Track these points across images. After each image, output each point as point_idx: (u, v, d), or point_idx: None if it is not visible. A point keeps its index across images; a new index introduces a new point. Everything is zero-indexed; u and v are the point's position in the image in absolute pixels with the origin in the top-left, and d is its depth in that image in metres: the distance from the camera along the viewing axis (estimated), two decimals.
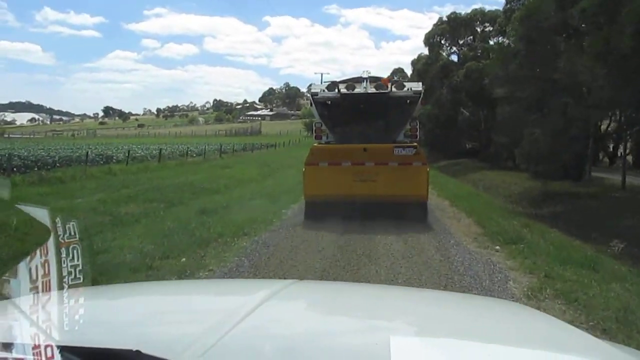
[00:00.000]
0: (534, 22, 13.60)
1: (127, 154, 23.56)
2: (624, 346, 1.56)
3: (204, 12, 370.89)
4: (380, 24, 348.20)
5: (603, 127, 23.48)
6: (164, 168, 22.62)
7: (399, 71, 70.73)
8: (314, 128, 11.36)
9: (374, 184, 9.62)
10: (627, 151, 28.49)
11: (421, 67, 35.07)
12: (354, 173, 9.64)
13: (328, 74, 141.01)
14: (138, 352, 0.97)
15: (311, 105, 11.35)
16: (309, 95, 12.01)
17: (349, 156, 9.70)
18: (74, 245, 1.21)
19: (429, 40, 34.54)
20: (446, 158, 39.32)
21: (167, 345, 1.06)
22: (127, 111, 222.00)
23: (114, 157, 24.99)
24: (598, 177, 21.06)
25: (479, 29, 34.03)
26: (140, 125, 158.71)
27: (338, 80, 11.00)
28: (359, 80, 10.64)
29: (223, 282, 4.01)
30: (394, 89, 10.27)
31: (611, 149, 31.19)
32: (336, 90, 10.28)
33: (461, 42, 35.64)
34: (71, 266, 1.19)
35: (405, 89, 10.44)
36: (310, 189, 9.88)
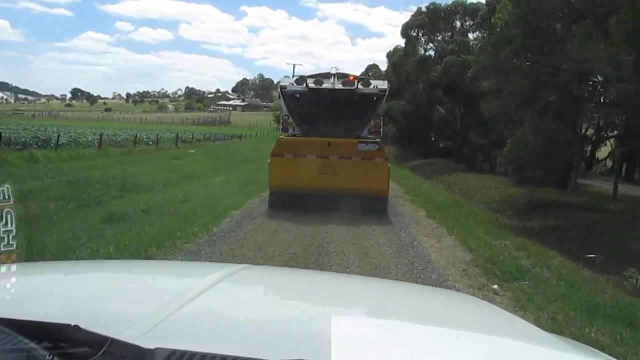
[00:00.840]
0: (535, 1, 11.51)
1: (57, 138, 20.58)
2: (567, 338, 1.63)
3: None
4: (357, 20, 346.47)
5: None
6: (102, 156, 19.90)
7: (373, 67, 68.82)
8: (281, 120, 11.55)
9: (337, 177, 9.73)
10: (608, 156, 26.99)
11: (397, 59, 32.98)
12: (318, 166, 9.77)
13: (300, 65, 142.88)
14: (76, 326, 0.91)
15: (280, 98, 11.47)
16: (277, 87, 11.92)
17: (314, 149, 9.82)
18: (8, 209, 1.22)
19: (407, 32, 32.47)
20: (419, 157, 37.44)
21: (108, 322, 1.02)
22: (96, 94, 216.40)
23: (52, 141, 22.04)
24: (581, 184, 19.27)
25: (458, 23, 32.05)
26: (108, 110, 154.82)
27: (307, 75, 11.16)
28: (327, 75, 10.90)
29: (176, 263, 3.80)
30: (360, 86, 10.49)
31: (588, 154, 29.54)
32: (304, 84, 10.51)
33: (439, 37, 33.63)
34: (4, 232, 1.21)
35: (371, 86, 10.65)
36: (275, 179, 10.02)
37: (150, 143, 35.08)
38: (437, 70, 29.98)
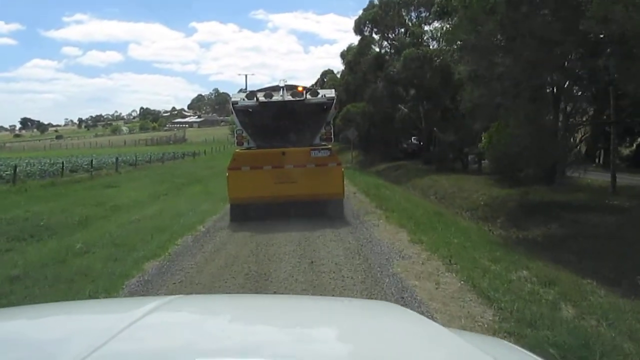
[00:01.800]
0: None
1: None
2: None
3: (127, 18, 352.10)
4: (308, 28, 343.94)
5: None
6: (15, 192, 16.75)
7: (328, 72, 68.07)
8: (235, 135, 11.79)
9: (294, 184, 9.95)
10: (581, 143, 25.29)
11: (352, 58, 30.69)
12: (274, 176, 10.01)
13: (253, 74, 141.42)
14: None
15: (232, 113, 11.66)
16: (229, 104, 12.05)
17: (269, 160, 10.09)
18: None
19: (360, 27, 30.22)
20: (384, 161, 35.20)
21: None
22: (47, 122, 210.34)
23: None
24: (567, 178, 17.19)
25: (414, 14, 30.00)
26: (59, 137, 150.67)
27: (257, 89, 11.61)
28: (276, 88, 11.26)
29: (100, 302, 3.53)
30: (308, 97, 10.82)
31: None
32: (255, 99, 10.77)
33: (395, 30, 31.44)
34: None
35: (320, 96, 11.02)
36: (234, 192, 10.20)
37: (92, 170, 31.97)
38: (396, 66, 27.81)
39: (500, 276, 6.36)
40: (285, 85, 11.29)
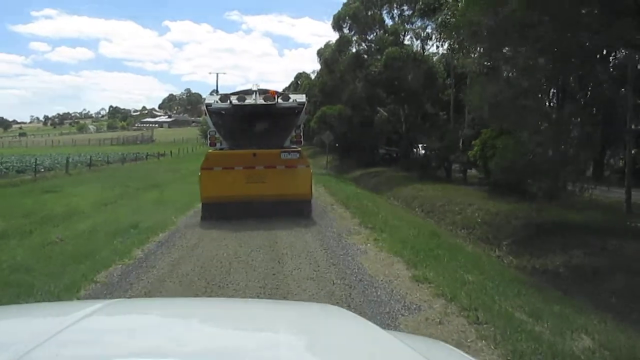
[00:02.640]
0: None
1: None
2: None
3: (98, 14, 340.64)
4: (282, 31, 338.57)
5: None
6: None
7: (302, 75, 68.24)
8: (208, 136, 12.18)
9: (264, 185, 10.24)
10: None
11: (330, 56, 28.58)
12: (245, 176, 10.34)
13: (225, 73, 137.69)
14: None
15: (206, 115, 11.86)
16: (203, 105, 12.28)
17: (241, 161, 10.46)
18: None
19: (339, 23, 28.12)
20: (361, 167, 33.19)
21: None
22: (12, 119, 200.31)
23: None
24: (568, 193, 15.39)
25: (396, 12, 28.04)
26: (22, 134, 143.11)
27: (230, 92, 11.83)
28: (249, 92, 11.50)
29: (37, 306, 3.04)
30: (280, 101, 11.18)
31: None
32: (228, 101, 11.10)
33: (373, 34, 29.48)
34: None
35: (291, 100, 11.43)
36: (206, 191, 10.47)
37: (42, 170, 29.20)
38: (377, 66, 25.85)
39: (554, 346, 4.31)
40: (258, 89, 11.58)
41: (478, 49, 10.46)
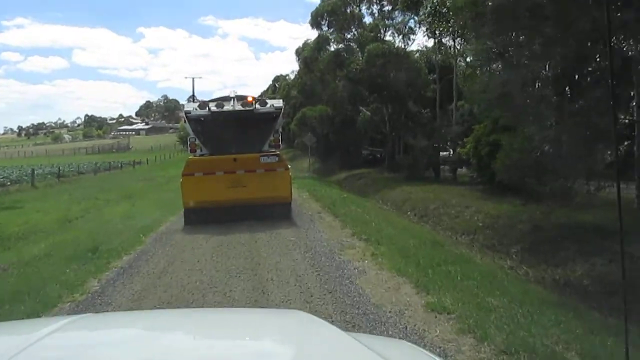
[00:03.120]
0: None
1: None
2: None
3: (71, 22, 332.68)
4: (258, 35, 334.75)
5: None
6: None
7: (280, 78, 67.37)
8: (188, 143, 12.20)
9: (245, 188, 10.42)
10: None
11: (309, 54, 27.34)
12: (226, 180, 10.51)
13: (200, 77, 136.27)
14: None
15: (185, 122, 12.58)
16: (182, 113, 12.68)
17: (222, 166, 10.65)
18: None
19: (317, 20, 26.90)
20: (344, 169, 32.09)
21: None
22: None
23: None
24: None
25: (375, 7, 26.94)
26: None
27: (209, 99, 12.12)
28: (227, 99, 11.93)
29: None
30: (257, 106, 11.45)
31: None
32: (207, 108, 11.34)
33: (352, 30, 28.33)
34: None
35: (268, 105, 11.69)
36: (188, 196, 10.54)
37: (9, 184, 27.65)
38: (358, 63, 24.76)
39: None
40: (236, 96, 11.89)
41: (483, 32, 9.30)
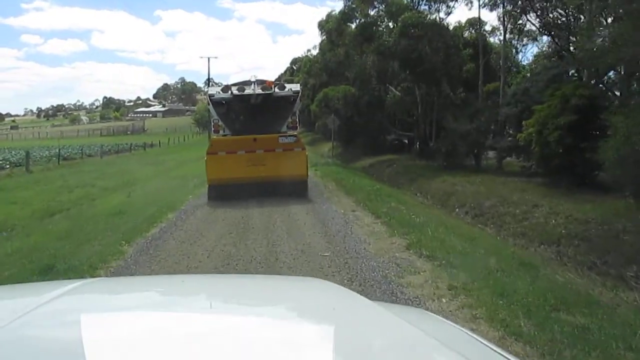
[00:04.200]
0: None
1: None
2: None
3: (89, 5, 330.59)
4: (275, 18, 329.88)
5: None
6: None
7: (298, 60, 66.09)
8: (212, 124, 13.01)
9: (264, 167, 10.93)
10: None
11: (334, 26, 24.49)
12: (247, 159, 11.04)
13: (216, 57, 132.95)
14: None
15: (209, 104, 12.88)
16: (206, 96, 13.91)
17: (243, 145, 11.20)
18: None
19: None
20: (369, 155, 29.34)
21: None
22: (5, 112, 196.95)
23: None
24: None
25: None
26: (14, 127, 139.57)
27: (231, 83, 12.59)
28: (248, 83, 12.36)
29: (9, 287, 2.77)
30: (276, 90, 12.04)
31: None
32: (229, 92, 11.95)
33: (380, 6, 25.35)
34: None
35: (286, 89, 12.30)
36: (212, 174, 11.13)
37: (7, 167, 25.63)
38: (391, 35, 21.93)
39: None
40: (256, 80, 12.35)
41: None
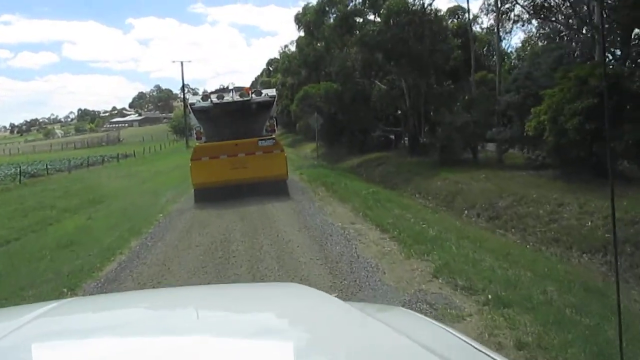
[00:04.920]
0: None
1: None
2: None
3: (59, 17, 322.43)
4: (248, 21, 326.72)
5: None
6: None
7: (274, 61, 66.82)
8: (194, 131, 13.37)
9: (246, 169, 11.58)
10: None
11: (312, 18, 22.77)
12: (229, 163, 11.71)
13: (190, 61, 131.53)
14: None
15: (190, 113, 13.86)
16: (187, 104, 14.61)
17: (225, 150, 11.86)
18: None
19: None
20: (355, 154, 27.82)
21: None
22: None
23: None
24: None
25: None
26: None
27: (210, 92, 13.62)
28: (226, 90, 13.42)
29: None
30: (253, 96, 12.71)
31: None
32: (209, 100, 12.58)
33: None
34: None
35: (263, 95, 12.97)
36: (197, 179, 11.78)
37: None
38: (375, 24, 20.36)
39: None
40: (234, 88, 13.57)
41: None
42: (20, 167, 26.63)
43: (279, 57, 45.74)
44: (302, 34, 25.42)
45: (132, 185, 19.48)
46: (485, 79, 23.81)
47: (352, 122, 25.56)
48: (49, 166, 29.51)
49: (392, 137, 29.34)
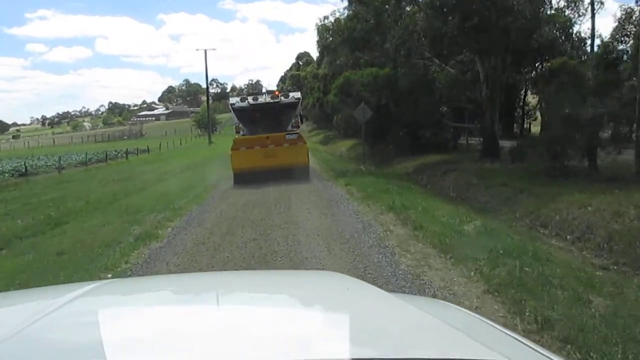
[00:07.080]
0: None
1: None
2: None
3: (93, 12, 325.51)
4: (277, 17, 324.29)
5: None
6: None
7: (304, 55, 68.33)
8: (234, 127, 16.16)
9: (275, 158, 13.89)
10: None
11: None
12: (262, 152, 14.10)
13: (214, 49, 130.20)
14: None
15: (231, 111, 16.31)
16: (229, 105, 16.40)
17: (258, 142, 14.32)
18: None
19: None
20: (403, 155, 22.30)
21: None
22: (12, 122, 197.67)
23: None
24: None
25: None
26: (15, 136, 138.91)
27: (247, 94, 17.86)
28: (260, 93, 17.08)
29: (30, 291, 2.60)
30: (282, 98, 15.52)
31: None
32: (246, 101, 15.55)
33: None
34: None
35: (290, 97, 15.75)
36: (236, 164, 14.21)
37: None
38: None
39: None
40: (267, 91, 17.05)
41: None
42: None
43: (308, 53, 40.37)
44: (346, 3, 19.98)
45: (122, 195, 14.44)
46: (565, 67, 18.40)
47: (408, 115, 20.11)
48: (39, 163, 24.99)
49: (449, 136, 23.86)
